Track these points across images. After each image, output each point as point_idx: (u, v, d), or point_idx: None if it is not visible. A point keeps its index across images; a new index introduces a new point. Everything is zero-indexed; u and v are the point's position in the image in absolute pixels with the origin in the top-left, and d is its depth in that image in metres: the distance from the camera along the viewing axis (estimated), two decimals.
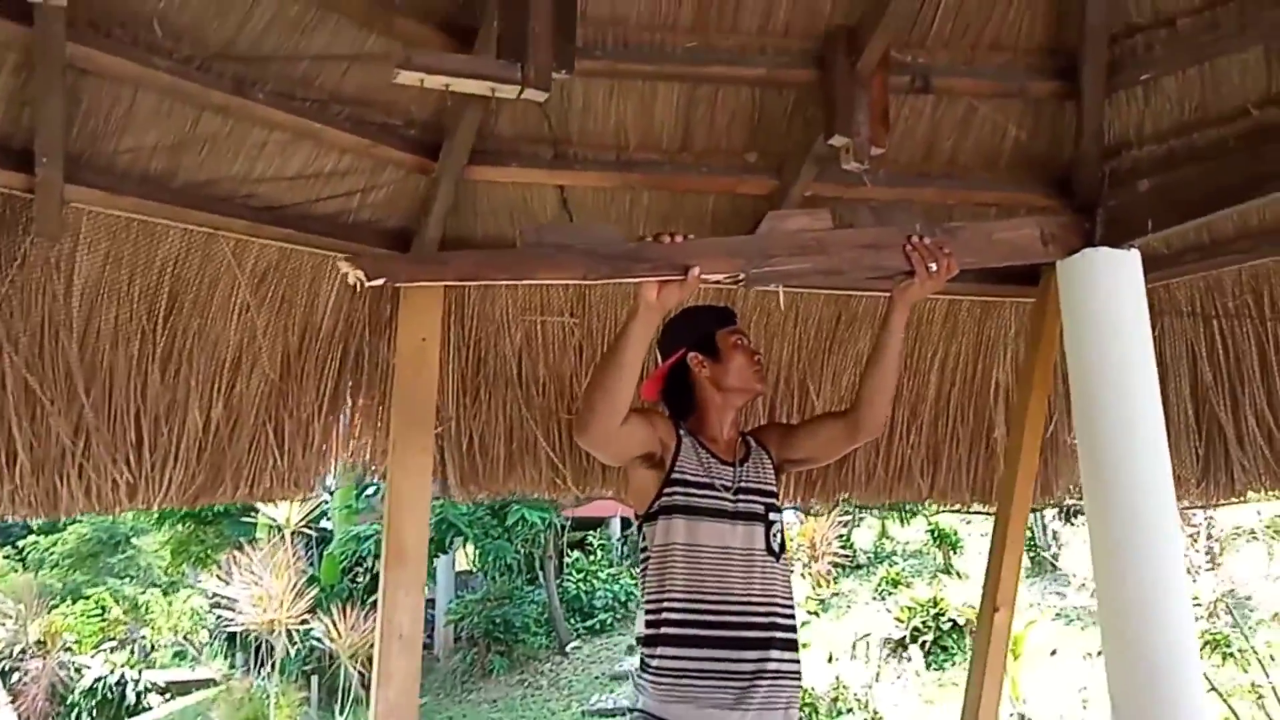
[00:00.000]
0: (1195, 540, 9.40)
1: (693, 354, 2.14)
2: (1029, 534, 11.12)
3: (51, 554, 18.09)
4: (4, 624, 14.20)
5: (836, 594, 14.05)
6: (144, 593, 17.62)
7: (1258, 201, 2.18)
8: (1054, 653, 10.85)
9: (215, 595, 14.22)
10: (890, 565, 14.76)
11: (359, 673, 12.51)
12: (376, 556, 12.65)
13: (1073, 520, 11.96)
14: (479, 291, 2.82)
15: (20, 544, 18.23)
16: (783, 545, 2.09)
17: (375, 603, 3.09)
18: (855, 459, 3.09)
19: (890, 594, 13.50)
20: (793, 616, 2.07)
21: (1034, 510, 4.23)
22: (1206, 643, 8.35)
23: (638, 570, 2.28)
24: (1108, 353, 2.23)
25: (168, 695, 14.27)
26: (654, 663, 1.96)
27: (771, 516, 2.08)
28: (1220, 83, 2.38)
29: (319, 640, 13.45)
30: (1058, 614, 11.83)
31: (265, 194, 2.42)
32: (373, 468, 2.83)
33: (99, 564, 18.46)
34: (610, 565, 16.09)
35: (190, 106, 2.20)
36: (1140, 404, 2.20)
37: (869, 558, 15.28)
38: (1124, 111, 2.53)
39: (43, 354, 2.25)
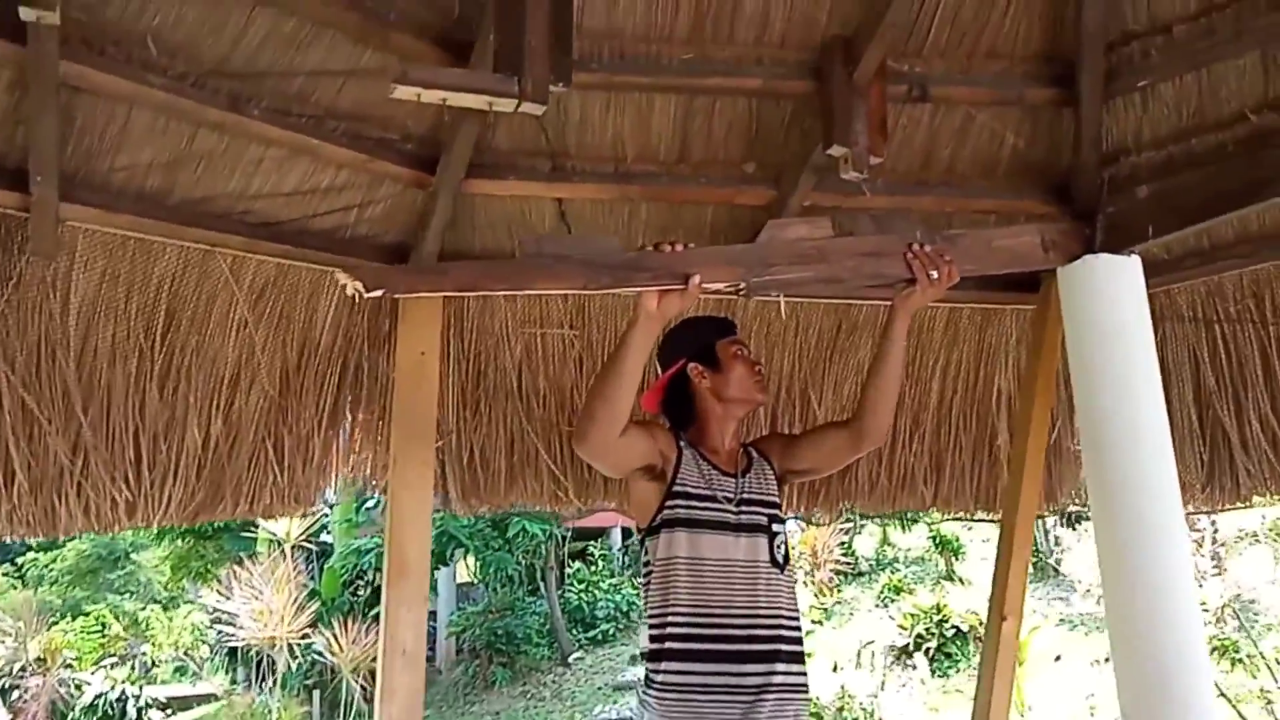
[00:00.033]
0: (1200, 545, 9.38)
1: (693, 365, 2.13)
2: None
3: (51, 570, 18.04)
4: (4, 641, 14.14)
5: (839, 602, 14.02)
6: (144, 608, 17.57)
7: (1257, 206, 2.17)
8: (1058, 659, 10.81)
9: (216, 610, 14.19)
10: (892, 572, 14.75)
11: (361, 686, 12.46)
12: (377, 569, 12.65)
13: (1075, 525, 11.94)
14: (478, 304, 2.81)
15: (19, 561, 18.18)
16: (786, 556, 2.08)
17: (377, 616, 3.07)
18: (858, 468, 3.08)
19: (893, 601, 13.47)
20: (798, 628, 2.05)
21: (1038, 517, 4.22)
22: (1214, 648, 8.33)
23: (640, 583, 2.26)
24: (1111, 359, 2.22)
25: (169, 711, 14.20)
26: (658, 678, 1.94)
27: (775, 528, 2.07)
28: (1218, 88, 2.37)
29: (320, 654, 13.41)
30: (1061, 619, 11.79)
31: (262, 210, 2.41)
32: (373, 482, 2.82)
33: (99, 580, 18.40)
34: (612, 575, 16.05)
35: (185, 123, 2.19)
36: (1145, 409, 2.19)
37: (871, 565, 15.26)
38: (1122, 118, 2.52)
39: (40, 373, 2.24)
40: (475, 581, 15.88)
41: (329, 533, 16.15)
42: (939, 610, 12.12)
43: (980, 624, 11.34)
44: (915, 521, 14.24)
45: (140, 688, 14.07)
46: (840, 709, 10.55)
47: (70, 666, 14.21)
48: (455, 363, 2.80)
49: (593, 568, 16.08)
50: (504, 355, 2.86)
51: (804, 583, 13.55)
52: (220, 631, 14.44)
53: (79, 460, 2.29)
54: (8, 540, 3.14)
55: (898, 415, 2.87)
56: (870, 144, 2.26)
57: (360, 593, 14.44)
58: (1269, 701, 7.82)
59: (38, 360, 2.24)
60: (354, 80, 2.27)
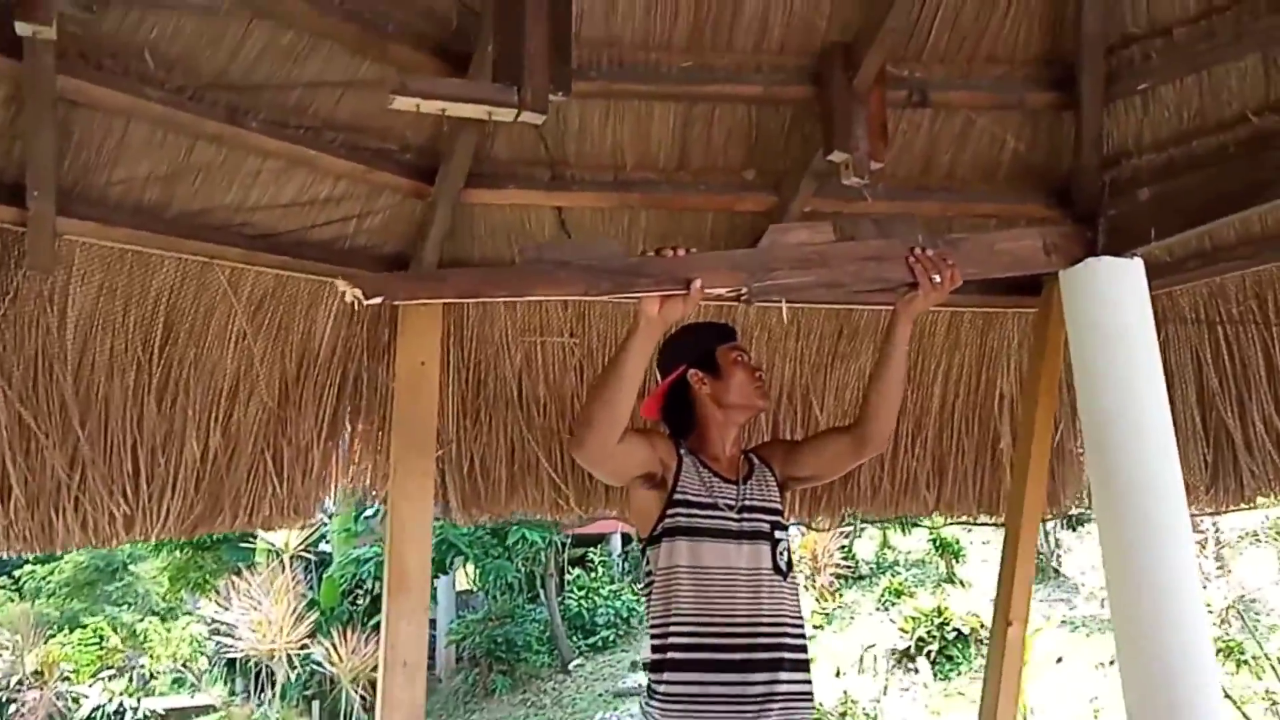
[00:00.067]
0: (1204, 547, 9.38)
1: (693, 371, 2.12)
2: None
3: (48, 583, 17.94)
4: (1, 655, 14.07)
5: (840, 606, 14.00)
6: (142, 620, 17.47)
7: (1259, 208, 2.16)
8: (1060, 660, 10.80)
9: (214, 621, 14.13)
10: (893, 575, 14.73)
11: (361, 697, 12.42)
12: (376, 578, 12.62)
13: (1076, 527, 11.94)
14: (477, 313, 2.80)
15: (16, 573, 18.09)
16: (789, 563, 2.06)
17: (376, 625, 3.06)
18: (860, 474, 3.07)
19: (894, 604, 13.45)
20: (802, 635, 2.04)
21: (1041, 521, 4.21)
22: (1219, 650, 8.32)
23: (641, 592, 2.25)
24: (1115, 361, 2.21)
25: None
26: (661, 689, 1.92)
27: (777, 534, 2.05)
28: (1218, 90, 2.37)
29: (319, 664, 13.36)
30: (1062, 621, 11.78)
31: (260, 222, 2.40)
32: (373, 493, 2.81)
33: (96, 592, 18.31)
34: (611, 582, 16.01)
35: (183, 136, 2.19)
36: (1149, 412, 2.18)
37: (871, 568, 15.24)
38: (1122, 121, 2.52)
39: (37, 387, 2.23)
40: (475, 589, 15.84)
41: (328, 542, 16.10)
42: (940, 613, 12.11)
43: (981, 626, 11.34)
44: (915, 524, 14.22)
45: (138, 700, 14.02)
46: (843, 714, 10.53)
47: (68, 679, 14.16)
48: (455, 371, 2.79)
49: (593, 574, 16.04)
50: (504, 364, 2.85)
51: (806, 587, 13.53)
52: (219, 643, 14.38)
53: (76, 474, 2.28)
54: (4, 556, 3.11)
55: (899, 420, 2.86)
56: (871, 149, 2.25)
57: (359, 602, 14.39)
58: (1274, 703, 7.80)
59: (35, 374, 2.23)
60: (352, 91, 2.27)
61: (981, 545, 13.69)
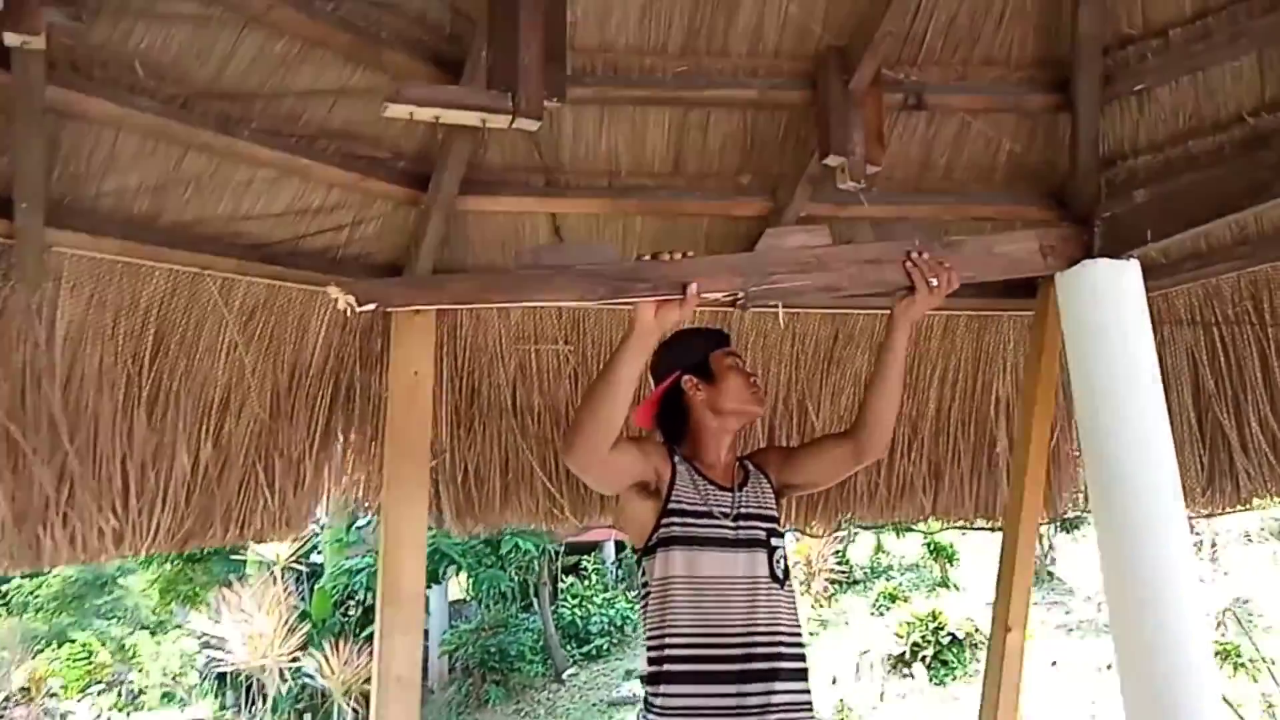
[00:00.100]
0: (1200, 549, 9.41)
1: (687, 377, 2.08)
2: None
3: (36, 597, 17.77)
4: None
5: (835, 612, 13.98)
6: (131, 634, 17.31)
7: (1256, 208, 2.16)
8: (1054, 664, 10.80)
9: (204, 635, 14.00)
10: (887, 580, 14.71)
11: (353, 709, 12.32)
12: (369, 589, 12.54)
13: (1071, 531, 11.96)
14: (471, 321, 2.78)
15: (3, 588, 17.92)
16: (786, 571, 2.03)
17: (368, 636, 3.02)
18: (856, 479, 3.05)
19: (889, 609, 13.44)
20: (800, 644, 2.00)
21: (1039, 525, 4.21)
22: (1215, 653, 8.31)
23: (637, 603, 2.22)
24: (1111, 363, 2.21)
25: None
26: (658, 702, 1.89)
27: (773, 542, 2.02)
28: (1214, 91, 2.38)
29: (311, 677, 13.25)
30: (1058, 625, 11.80)
31: (252, 231, 2.38)
32: (366, 504, 2.78)
33: (85, 606, 18.14)
34: (605, 590, 15.94)
35: (174, 146, 2.17)
36: (1146, 414, 2.17)
37: (865, 573, 15.22)
38: (1119, 122, 2.52)
39: (25, 402, 2.19)
40: (468, 599, 15.76)
41: (319, 553, 16.00)
42: (935, 618, 12.10)
43: (976, 630, 11.34)
44: (909, 528, 14.23)
45: (128, 715, 13.90)
46: None
47: (55, 696, 14.00)
48: (449, 380, 2.77)
49: (586, 582, 15.97)
50: (498, 372, 2.83)
51: (801, 593, 13.52)
52: (209, 656, 14.25)
53: (65, 490, 2.24)
54: None
55: (896, 424, 2.85)
56: (867, 153, 2.25)
57: (351, 613, 14.29)
58: (1270, 705, 7.82)
59: (23, 388, 2.19)
60: (345, 99, 2.25)
61: (976, 549, 13.70)
